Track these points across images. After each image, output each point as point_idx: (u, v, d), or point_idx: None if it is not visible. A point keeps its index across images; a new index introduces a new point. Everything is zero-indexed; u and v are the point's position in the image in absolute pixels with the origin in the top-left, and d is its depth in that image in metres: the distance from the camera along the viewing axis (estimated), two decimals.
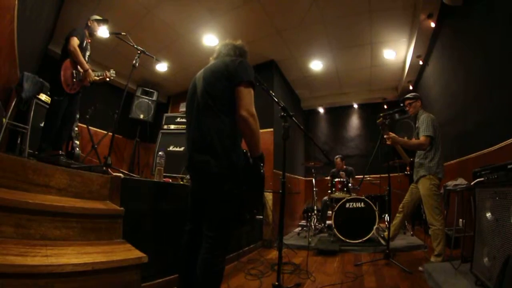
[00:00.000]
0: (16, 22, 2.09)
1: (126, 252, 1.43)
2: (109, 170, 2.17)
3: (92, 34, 2.78)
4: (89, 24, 2.73)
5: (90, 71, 2.61)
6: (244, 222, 1.41)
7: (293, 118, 1.83)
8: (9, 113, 2.49)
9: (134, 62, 2.59)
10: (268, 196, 4.00)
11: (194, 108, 1.43)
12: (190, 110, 1.48)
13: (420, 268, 2.30)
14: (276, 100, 1.84)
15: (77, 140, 3.29)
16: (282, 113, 1.80)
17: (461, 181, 2.40)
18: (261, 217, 1.81)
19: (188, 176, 2.45)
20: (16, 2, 1.96)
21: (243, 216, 1.38)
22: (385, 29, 3.94)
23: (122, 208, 1.65)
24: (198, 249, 1.35)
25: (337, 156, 4.83)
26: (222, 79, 1.37)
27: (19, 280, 0.99)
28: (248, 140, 1.33)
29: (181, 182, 2.70)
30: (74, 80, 2.54)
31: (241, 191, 1.34)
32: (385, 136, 2.68)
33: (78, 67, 2.57)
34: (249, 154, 1.37)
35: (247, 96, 1.33)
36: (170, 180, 2.76)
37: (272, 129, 4.44)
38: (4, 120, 2.38)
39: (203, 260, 1.29)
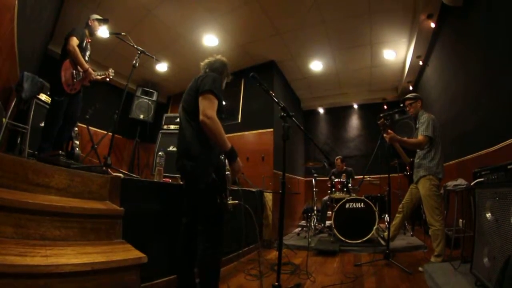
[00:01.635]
0: (16, 21, 2.09)
1: (125, 253, 1.42)
2: (109, 170, 2.17)
3: (92, 34, 2.75)
4: (90, 24, 2.70)
5: (90, 70, 2.59)
6: (221, 209, 1.58)
7: (293, 118, 1.83)
8: (9, 113, 2.49)
9: (134, 62, 2.58)
10: (268, 197, 4.00)
11: (180, 121, 1.74)
12: (178, 123, 1.82)
13: (420, 269, 2.30)
14: (276, 100, 1.84)
15: (77, 140, 3.29)
16: (282, 114, 1.79)
17: (461, 181, 2.40)
18: (236, 201, 1.93)
19: None
20: (16, 1, 1.96)
21: (217, 203, 1.56)
22: (385, 30, 3.94)
23: (121, 208, 1.64)
24: (194, 241, 1.55)
25: (337, 157, 4.84)
26: (193, 94, 1.61)
27: (18, 280, 0.98)
28: (212, 139, 1.53)
29: (181, 183, 2.70)
30: (75, 80, 2.53)
31: (214, 183, 1.54)
32: (384, 135, 2.67)
33: (78, 67, 2.56)
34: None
35: (204, 102, 1.52)
36: (170, 181, 2.76)
37: (272, 129, 4.44)
38: (4, 120, 2.38)
39: (198, 252, 1.49)
